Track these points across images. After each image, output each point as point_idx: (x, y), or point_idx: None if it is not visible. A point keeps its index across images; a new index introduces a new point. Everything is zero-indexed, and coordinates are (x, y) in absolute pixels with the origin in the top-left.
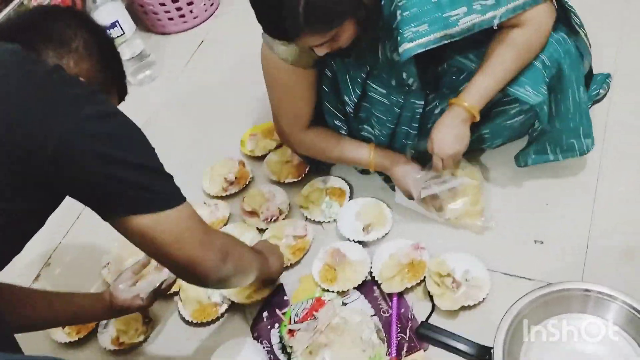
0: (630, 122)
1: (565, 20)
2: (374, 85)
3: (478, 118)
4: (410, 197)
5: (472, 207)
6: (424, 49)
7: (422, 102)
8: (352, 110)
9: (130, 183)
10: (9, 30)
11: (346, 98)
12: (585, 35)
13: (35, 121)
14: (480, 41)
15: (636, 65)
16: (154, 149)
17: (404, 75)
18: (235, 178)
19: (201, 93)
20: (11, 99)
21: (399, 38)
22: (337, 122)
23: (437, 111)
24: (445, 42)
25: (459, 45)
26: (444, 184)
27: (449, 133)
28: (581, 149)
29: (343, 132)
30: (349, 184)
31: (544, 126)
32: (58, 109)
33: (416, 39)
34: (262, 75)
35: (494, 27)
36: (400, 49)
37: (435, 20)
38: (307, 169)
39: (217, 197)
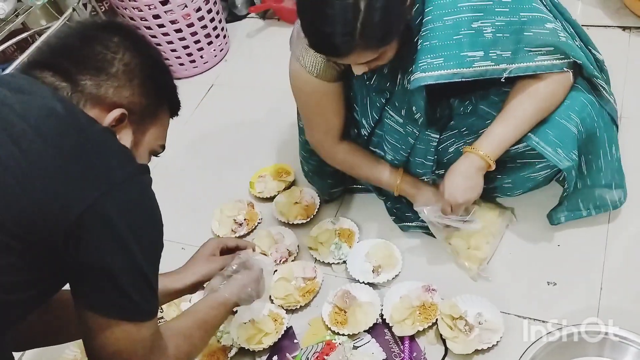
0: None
1: (595, 90)
2: (391, 113)
3: (494, 167)
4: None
5: (475, 250)
6: (434, 82)
7: (437, 136)
8: (367, 134)
9: (119, 287)
10: (46, 57)
11: (363, 120)
12: (614, 101)
13: (60, 190)
14: (501, 88)
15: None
16: (162, 246)
17: (413, 108)
18: (244, 219)
19: (211, 136)
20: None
21: (414, 66)
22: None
23: (452, 149)
24: (457, 80)
25: (482, 92)
26: (461, 221)
27: (462, 181)
28: (614, 203)
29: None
30: (358, 225)
31: (571, 188)
32: (87, 179)
33: (429, 70)
34: (270, 117)
35: (502, 80)
36: (412, 77)
37: (451, 57)
38: (317, 209)
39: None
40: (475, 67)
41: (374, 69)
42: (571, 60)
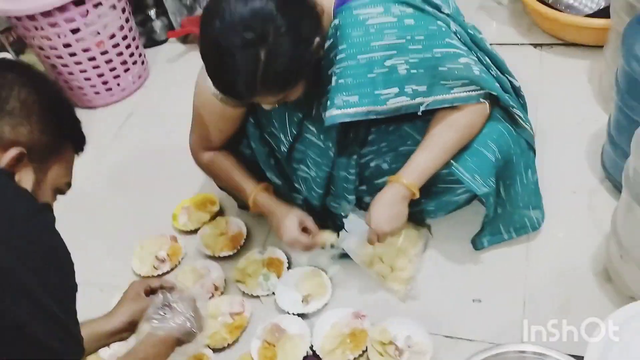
0: (553, 178)
1: (511, 118)
2: (311, 127)
3: (418, 195)
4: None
5: (400, 272)
6: (349, 120)
7: (357, 149)
8: (286, 150)
9: (32, 337)
10: None
11: (282, 136)
12: (531, 127)
13: None
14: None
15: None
16: (75, 286)
17: (328, 135)
18: (167, 255)
19: (130, 167)
20: None
21: (329, 102)
22: (270, 174)
23: (372, 164)
24: (372, 117)
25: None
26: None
27: (388, 210)
28: (533, 224)
29: (277, 181)
30: (287, 254)
31: (492, 214)
32: None
33: (344, 107)
34: None
35: (419, 114)
36: (327, 114)
37: (366, 95)
38: (244, 240)
39: (148, 278)
40: (389, 104)
41: (281, 103)
42: (486, 91)
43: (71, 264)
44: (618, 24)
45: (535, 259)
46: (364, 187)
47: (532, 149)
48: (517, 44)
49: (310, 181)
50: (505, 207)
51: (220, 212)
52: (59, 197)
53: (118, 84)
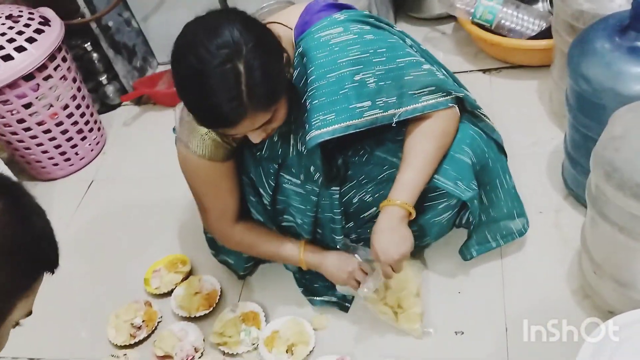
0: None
1: (480, 121)
2: (287, 177)
3: (414, 213)
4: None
5: (411, 310)
6: (330, 137)
7: (337, 189)
8: (268, 202)
9: None
10: None
11: (261, 191)
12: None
13: None
14: (396, 133)
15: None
16: None
17: (311, 169)
18: (143, 321)
19: (96, 236)
20: None
21: (307, 126)
22: (259, 217)
23: (355, 199)
24: (351, 131)
25: (376, 139)
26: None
27: (391, 237)
28: (519, 230)
29: (268, 225)
30: (263, 305)
31: (477, 219)
32: None
33: (323, 127)
34: (157, 206)
35: (393, 125)
36: (308, 137)
37: (342, 110)
38: (219, 296)
39: (126, 347)
40: (365, 116)
41: (270, 134)
42: (453, 95)
43: None
44: (561, 43)
45: (512, 284)
46: (351, 224)
47: (504, 152)
48: (466, 71)
49: (297, 228)
50: (489, 213)
51: (192, 272)
52: None
53: (76, 153)
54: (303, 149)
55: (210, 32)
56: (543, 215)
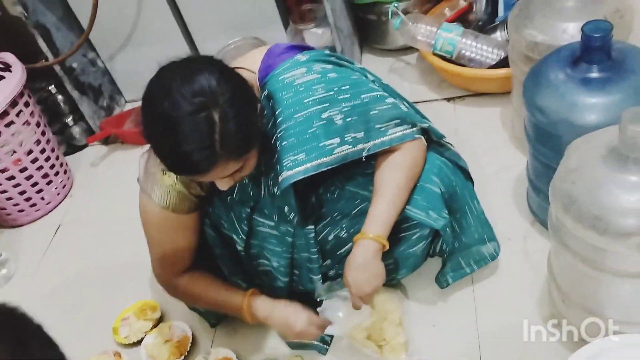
0: None
1: (446, 150)
2: (260, 220)
3: (387, 245)
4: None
5: (394, 340)
6: (302, 176)
7: (312, 227)
8: (242, 249)
9: None
10: None
11: (234, 237)
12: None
13: None
14: (365, 167)
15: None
16: None
17: (286, 209)
18: None
19: (64, 283)
20: None
21: (278, 167)
22: (225, 268)
23: (330, 237)
24: (323, 169)
25: (346, 174)
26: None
27: (364, 271)
28: (491, 254)
29: (242, 284)
30: (236, 351)
31: (450, 246)
32: None
33: (295, 167)
34: (127, 251)
35: (362, 159)
36: (280, 177)
37: (312, 149)
38: (190, 343)
39: None
40: (336, 153)
41: (238, 181)
42: (419, 127)
43: None
44: (518, 73)
45: (484, 315)
46: (328, 262)
47: (471, 179)
48: (431, 100)
49: (273, 272)
50: (462, 240)
51: (162, 318)
52: None
53: (42, 198)
54: (276, 190)
55: (187, 78)
56: (511, 242)
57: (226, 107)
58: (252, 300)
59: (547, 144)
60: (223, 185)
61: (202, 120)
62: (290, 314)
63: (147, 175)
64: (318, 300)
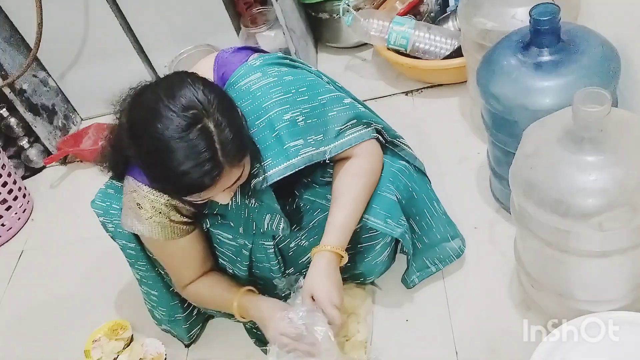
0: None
1: (401, 150)
2: (219, 232)
3: (346, 257)
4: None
5: (354, 337)
6: (270, 182)
7: (271, 243)
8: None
9: None
10: None
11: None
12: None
13: None
14: (321, 175)
15: (438, 167)
16: None
17: (267, 218)
18: None
19: (31, 311)
20: None
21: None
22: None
23: (292, 245)
24: (290, 172)
25: (303, 184)
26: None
27: (328, 281)
28: (455, 252)
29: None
30: None
31: (411, 250)
32: None
33: (261, 174)
34: (94, 272)
35: (326, 161)
36: (251, 184)
37: (277, 154)
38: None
39: None
40: (301, 154)
41: (234, 191)
42: (374, 127)
43: None
44: (472, 62)
45: (456, 306)
46: (291, 270)
47: (428, 179)
48: (389, 95)
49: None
50: (424, 241)
51: (133, 337)
52: None
53: (2, 225)
54: (253, 203)
55: (171, 95)
56: (478, 230)
57: (218, 115)
58: (243, 298)
59: (504, 131)
60: (224, 198)
61: (199, 133)
62: (265, 319)
63: (126, 214)
64: (282, 295)
